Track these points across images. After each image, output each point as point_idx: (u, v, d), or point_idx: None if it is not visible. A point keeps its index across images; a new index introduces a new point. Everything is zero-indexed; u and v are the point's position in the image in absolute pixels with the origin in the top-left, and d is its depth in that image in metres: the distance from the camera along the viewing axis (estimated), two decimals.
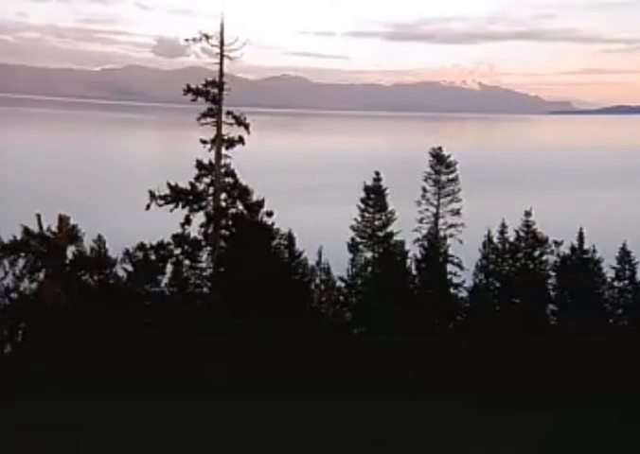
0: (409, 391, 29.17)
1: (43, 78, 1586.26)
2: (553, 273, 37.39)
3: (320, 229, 61.56)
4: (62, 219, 35.27)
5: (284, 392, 28.49)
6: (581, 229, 36.98)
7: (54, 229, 35.08)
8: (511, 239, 37.63)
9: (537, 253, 37.36)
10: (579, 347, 32.99)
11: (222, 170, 40.47)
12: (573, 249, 36.90)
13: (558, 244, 37.20)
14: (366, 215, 40.03)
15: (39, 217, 34.90)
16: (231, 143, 40.59)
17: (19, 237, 34.37)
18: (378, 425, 26.91)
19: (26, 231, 34.58)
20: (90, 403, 26.85)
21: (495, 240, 37.78)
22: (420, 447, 25.95)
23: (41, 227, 34.87)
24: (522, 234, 37.43)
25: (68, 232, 35.10)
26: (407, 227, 40.98)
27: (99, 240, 35.27)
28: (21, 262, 34.33)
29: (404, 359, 31.22)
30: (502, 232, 37.77)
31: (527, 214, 37.43)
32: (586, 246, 36.85)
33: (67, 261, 35.18)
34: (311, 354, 30.90)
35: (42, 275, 34.75)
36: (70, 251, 35.20)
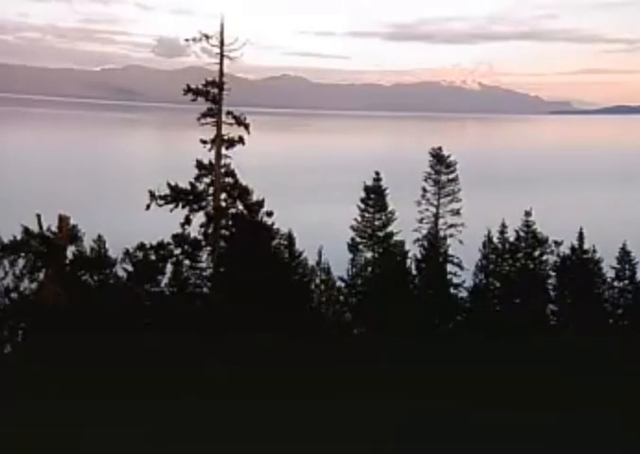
0: (409, 391, 29.17)
1: (43, 78, 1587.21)
2: (553, 273, 37.33)
3: (320, 229, 61.58)
4: (62, 219, 35.24)
5: (284, 392, 28.50)
6: (581, 229, 36.93)
7: (54, 229, 35.03)
8: (511, 239, 37.56)
9: (537, 253, 37.29)
10: (579, 347, 32.96)
11: (222, 170, 40.41)
12: (573, 249, 36.84)
13: (558, 244, 37.14)
14: (366, 215, 40.01)
15: (39, 217, 34.86)
16: (231, 143, 40.53)
17: (19, 237, 34.33)
18: (378, 425, 26.92)
19: (26, 231, 34.54)
20: (90, 403, 26.87)
21: (495, 240, 37.71)
22: (420, 447, 25.99)
23: (41, 227, 34.83)
24: (522, 234, 37.36)
25: (68, 232, 35.06)
26: (407, 227, 40.95)
27: (99, 240, 35.21)
28: (21, 262, 34.27)
29: (404, 359, 31.21)
30: (502, 232, 37.70)
31: (527, 214, 37.37)
32: (586, 246, 36.80)
33: (67, 261, 35.14)
34: (310, 354, 30.88)
35: (42, 275, 34.71)
36: (70, 251, 35.16)
